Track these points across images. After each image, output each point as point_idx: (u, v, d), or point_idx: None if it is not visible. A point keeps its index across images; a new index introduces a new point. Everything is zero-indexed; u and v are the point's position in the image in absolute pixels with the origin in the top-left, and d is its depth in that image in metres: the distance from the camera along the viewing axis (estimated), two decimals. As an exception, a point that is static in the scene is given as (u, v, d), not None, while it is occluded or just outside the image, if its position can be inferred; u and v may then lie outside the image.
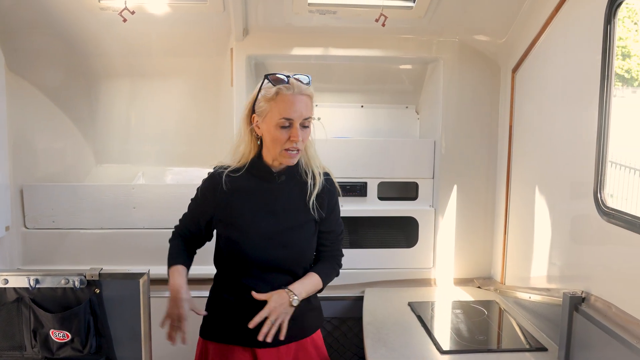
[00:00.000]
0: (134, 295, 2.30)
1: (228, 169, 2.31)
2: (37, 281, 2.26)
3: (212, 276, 2.63)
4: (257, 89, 2.25)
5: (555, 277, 2.72)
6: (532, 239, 2.94)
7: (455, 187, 3.41)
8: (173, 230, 2.50)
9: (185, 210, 2.50)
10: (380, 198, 3.43)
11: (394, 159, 3.41)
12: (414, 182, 3.44)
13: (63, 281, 2.26)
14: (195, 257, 3.28)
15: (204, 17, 3.14)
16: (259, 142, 2.29)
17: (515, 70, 3.17)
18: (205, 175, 2.39)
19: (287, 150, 2.21)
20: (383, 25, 2.95)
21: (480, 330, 2.76)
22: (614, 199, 8.01)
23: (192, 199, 2.44)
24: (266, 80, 2.22)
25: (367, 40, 3.28)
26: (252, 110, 2.27)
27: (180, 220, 2.51)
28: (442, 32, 3.27)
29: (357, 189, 3.38)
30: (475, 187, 3.43)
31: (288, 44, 3.28)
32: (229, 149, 2.38)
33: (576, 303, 2.38)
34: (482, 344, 2.61)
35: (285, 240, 2.32)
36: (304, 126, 2.22)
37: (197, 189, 2.39)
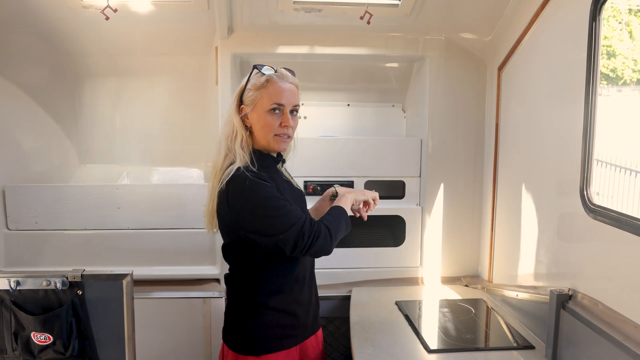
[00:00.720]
0: (118, 296, 2.26)
1: (247, 168, 2.25)
2: (18, 283, 2.22)
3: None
4: (245, 80, 2.32)
5: (542, 274, 2.71)
6: (519, 237, 2.94)
7: (442, 185, 3.40)
8: (313, 228, 2.20)
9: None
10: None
11: (380, 158, 3.40)
12: (400, 181, 3.43)
13: (45, 283, 2.22)
14: (165, 259, 3.34)
15: (188, 15, 3.11)
16: (247, 134, 2.31)
17: (501, 68, 3.17)
18: (227, 176, 2.25)
19: (278, 135, 2.28)
20: (368, 22, 2.93)
21: (467, 328, 2.76)
22: (600, 196, 8.04)
23: (270, 195, 2.21)
24: (255, 70, 2.30)
25: (353, 38, 3.27)
26: (240, 102, 2.32)
27: (293, 218, 2.19)
28: (428, 30, 3.25)
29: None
30: (462, 185, 3.42)
31: (273, 42, 3.26)
32: (219, 148, 2.36)
33: (563, 301, 2.38)
34: (470, 342, 2.60)
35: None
36: (293, 113, 2.32)
37: (257, 187, 2.19)
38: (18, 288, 2.22)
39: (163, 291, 3.32)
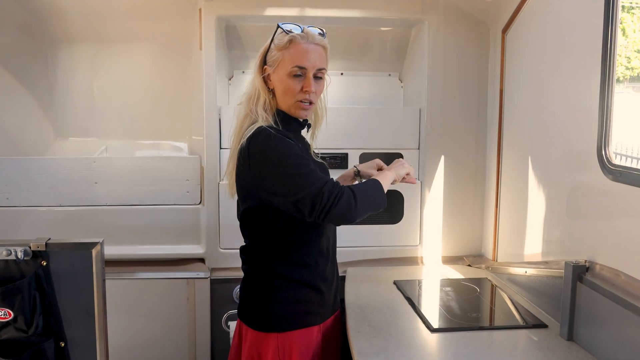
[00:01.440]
0: (86, 268, 2.03)
1: (271, 127, 2.09)
2: (-26, 253, 1.99)
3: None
4: (269, 41, 2.17)
5: (554, 249, 2.51)
6: (526, 211, 2.73)
7: (442, 158, 3.19)
8: (335, 190, 1.95)
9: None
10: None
11: (376, 129, 3.18)
12: (398, 153, 3.21)
13: (5, 252, 1.99)
14: (146, 238, 3.13)
15: (170, -27, 2.90)
16: (271, 96, 2.17)
17: (505, 30, 2.96)
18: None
19: (300, 102, 2.14)
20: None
21: (472, 307, 2.55)
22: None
23: (293, 153, 2.02)
24: (279, 29, 2.13)
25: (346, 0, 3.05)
26: (264, 62, 2.17)
27: (314, 179, 1.97)
28: (427, -9, 3.04)
29: (338, 161, 3.15)
30: (464, 157, 3.21)
31: (261, 3, 3.04)
32: (240, 109, 2.22)
33: (580, 273, 2.16)
34: (476, 321, 2.39)
35: None
36: (317, 77, 2.14)
37: (280, 145, 2.02)
38: (-25, 259, 1.99)
39: (144, 272, 3.12)
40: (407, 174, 2.32)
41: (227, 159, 2.27)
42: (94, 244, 2.03)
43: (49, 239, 2.04)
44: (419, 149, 3.21)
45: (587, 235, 2.24)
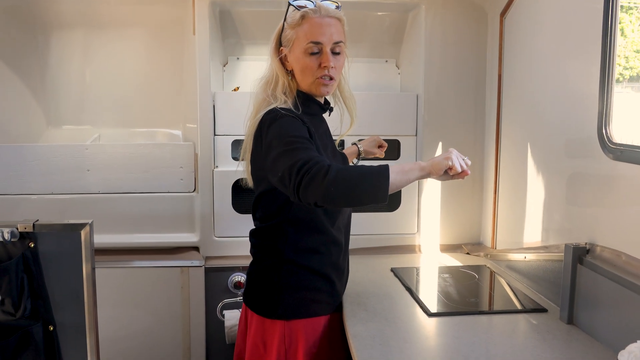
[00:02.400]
0: (75, 250, 1.98)
1: (290, 109, 2.03)
2: (-40, 234, 1.94)
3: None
4: (282, 21, 2.09)
5: (554, 233, 2.46)
6: (526, 198, 2.69)
7: (440, 144, 3.15)
8: (309, 165, 1.75)
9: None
10: (366, 159, 3.15)
11: (373, 115, 3.13)
12: (395, 140, 3.17)
13: (-9, 234, 1.95)
14: (139, 226, 3.08)
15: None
16: (290, 77, 2.10)
17: (503, 14, 2.92)
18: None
19: (320, 78, 2.06)
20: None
21: (471, 293, 2.50)
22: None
23: (292, 133, 1.89)
24: (291, 7, 2.06)
25: (342, -17, 3.00)
26: (279, 44, 2.11)
27: (296, 156, 1.79)
28: (424, -26, 3.00)
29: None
30: (462, 144, 3.16)
31: (256, -13, 2.99)
32: (256, 95, 2.14)
33: (580, 254, 2.12)
34: (475, 306, 2.35)
35: None
36: (336, 52, 2.07)
37: (286, 123, 1.93)
38: (-40, 240, 1.94)
39: (137, 260, 3.07)
40: (451, 168, 1.86)
41: (242, 149, 2.21)
42: (82, 225, 1.99)
43: (37, 220, 1.99)
44: (416, 135, 3.17)
45: (587, 217, 2.20)
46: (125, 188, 3.07)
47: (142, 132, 3.36)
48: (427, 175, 1.86)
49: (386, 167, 1.78)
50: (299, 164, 1.75)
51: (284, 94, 2.07)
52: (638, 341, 1.48)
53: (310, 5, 2.04)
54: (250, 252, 2.28)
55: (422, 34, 3.09)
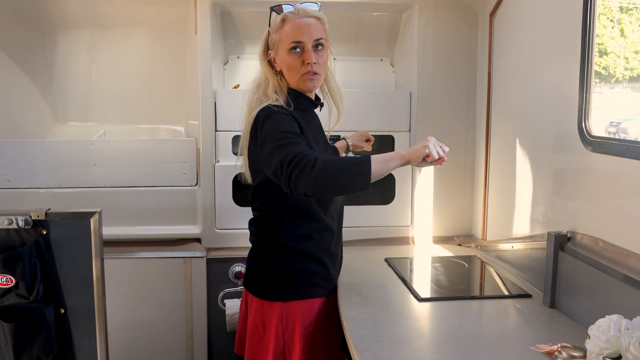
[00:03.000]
0: (85, 237, 2.10)
1: (282, 106, 2.17)
2: (-23, 222, 2.06)
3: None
4: (268, 27, 2.26)
5: (539, 223, 2.58)
6: (514, 191, 2.81)
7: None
8: (297, 159, 1.88)
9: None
10: (355, 153, 3.26)
11: (368, 112, 3.25)
12: (389, 135, 3.28)
13: (6, 221, 2.07)
14: (144, 218, 3.22)
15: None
16: (280, 78, 2.25)
17: (493, 14, 3.03)
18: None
19: (305, 74, 2.19)
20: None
21: (460, 280, 2.62)
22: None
23: (283, 128, 2.02)
24: (273, 13, 2.22)
25: (339, -15, 3.13)
26: (267, 48, 2.26)
27: (286, 151, 1.93)
28: (417, -25, 3.12)
29: (331, 142, 3.22)
30: (453, 139, 3.27)
31: (255, -11, 3.11)
32: (249, 96, 2.29)
33: (562, 242, 2.25)
34: (463, 292, 2.47)
35: None
36: (318, 48, 2.19)
37: (277, 119, 2.06)
38: (-23, 227, 2.07)
39: (142, 251, 3.19)
40: (428, 156, 1.95)
41: (240, 146, 2.34)
42: (92, 214, 2.11)
43: (49, 208, 2.11)
44: (409, 131, 3.28)
45: (569, 207, 2.32)
46: (130, 182, 3.19)
47: (145, 129, 3.48)
48: (407, 162, 1.96)
49: (368, 157, 1.90)
50: (289, 158, 1.88)
51: (275, 92, 2.22)
52: (606, 316, 1.60)
53: (289, 8, 2.19)
54: (250, 240, 2.41)
55: (415, 33, 3.20)
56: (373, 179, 1.89)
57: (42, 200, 3.13)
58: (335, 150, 2.49)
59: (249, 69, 3.42)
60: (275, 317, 2.26)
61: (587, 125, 2.16)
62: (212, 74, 3.13)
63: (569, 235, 2.25)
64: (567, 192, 2.35)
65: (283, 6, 2.20)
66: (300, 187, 1.88)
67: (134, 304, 3.18)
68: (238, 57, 3.45)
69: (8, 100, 3.29)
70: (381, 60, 3.53)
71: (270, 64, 2.25)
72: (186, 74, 3.38)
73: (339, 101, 2.41)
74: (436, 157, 1.95)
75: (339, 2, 3.16)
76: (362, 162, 1.89)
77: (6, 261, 2.05)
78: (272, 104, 2.16)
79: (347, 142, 2.77)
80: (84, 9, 3.26)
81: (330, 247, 2.36)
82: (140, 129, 3.48)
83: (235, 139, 3.17)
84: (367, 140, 2.87)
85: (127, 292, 3.16)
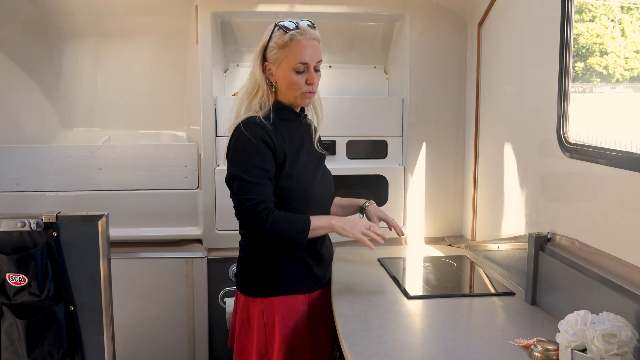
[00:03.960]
0: (93, 238, 2.25)
1: (259, 119, 2.33)
2: (-8, 225, 2.20)
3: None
4: (267, 37, 2.34)
5: (523, 225, 2.71)
6: (502, 193, 2.93)
7: (424, 144, 3.39)
8: (254, 209, 2.26)
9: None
10: (350, 157, 3.40)
11: (362, 118, 3.38)
12: (383, 141, 3.42)
13: (19, 224, 2.21)
14: (147, 220, 3.36)
15: (168, -28, 3.12)
16: (273, 89, 2.38)
17: (481, 24, 3.16)
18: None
19: (304, 93, 2.34)
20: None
21: (448, 279, 2.75)
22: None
23: (252, 162, 2.29)
24: (277, 28, 2.31)
25: (333, -4, 3.27)
26: (264, 58, 2.35)
27: (249, 192, 2.28)
28: (408, -13, 3.25)
29: (326, 148, 3.34)
30: (444, 144, 3.41)
31: (254, 0, 3.24)
32: (236, 103, 2.44)
33: (542, 243, 2.37)
34: (450, 290, 2.60)
35: (326, 176, 2.56)
36: (317, 70, 2.36)
37: (241, 148, 2.30)
38: (-8, 230, 2.21)
39: (146, 252, 3.33)
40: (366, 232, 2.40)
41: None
42: (99, 217, 2.25)
43: (59, 212, 2.25)
44: (402, 136, 3.42)
45: (550, 210, 2.45)
46: (134, 185, 3.33)
47: (148, 134, 3.63)
48: (336, 232, 2.41)
49: (308, 224, 2.31)
50: (247, 205, 2.26)
51: (260, 105, 2.36)
52: (575, 312, 1.74)
53: (292, 26, 2.30)
54: (239, 242, 2.56)
55: (407, 42, 3.34)
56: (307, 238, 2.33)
57: (50, 203, 3.27)
58: (322, 157, 2.60)
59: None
60: (257, 313, 2.41)
61: (565, 132, 2.29)
62: (212, 82, 3.27)
63: (549, 236, 2.38)
64: (548, 195, 2.48)
65: (286, 23, 2.31)
66: (250, 232, 2.37)
67: (138, 302, 3.32)
68: (237, 65, 3.59)
69: (17, 106, 3.44)
70: (375, 67, 3.67)
71: (266, 76, 2.37)
72: (187, 81, 3.52)
73: (319, 109, 2.57)
74: (369, 244, 2.41)
75: (335, 13, 3.29)
76: (303, 228, 2.31)
77: (19, 261, 2.20)
78: (247, 116, 2.33)
79: (365, 207, 2.82)
80: (90, 19, 3.41)
81: (315, 247, 2.50)
82: (144, 134, 3.63)
83: (236, 144, 3.30)
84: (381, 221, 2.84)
85: (132, 290, 3.30)
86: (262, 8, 3.25)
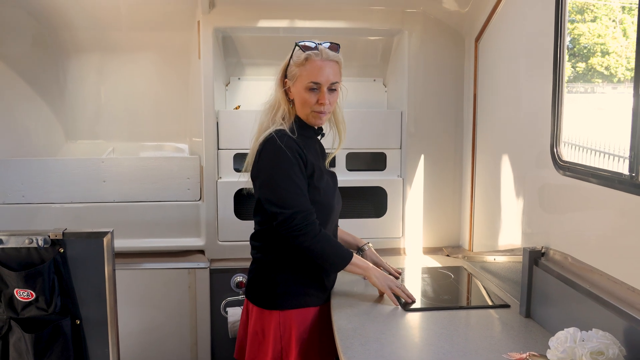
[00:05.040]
0: (99, 254, 2.31)
1: (286, 132, 2.40)
2: (0, 241, 2.27)
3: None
4: (289, 57, 2.44)
5: (519, 238, 2.76)
6: (497, 205, 2.98)
7: (422, 157, 3.45)
8: (306, 221, 2.36)
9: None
10: (349, 169, 3.46)
11: (361, 130, 3.44)
12: (382, 153, 3.48)
13: (27, 241, 2.28)
14: (151, 231, 3.44)
15: (171, -11, 3.18)
16: (291, 105, 2.47)
17: (478, 39, 3.22)
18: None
19: (315, 112, 2.43)
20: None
21: (445, 291, 2.80)
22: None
23: (287, 173, 2.36)
24: (297, 47, 2.40)
25: (333, 12, 3.33)
26: (285, 76, 2.45)
27: (299, 204, 2.37)
28: (407, 4, 3.31)
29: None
30: (442, 156, 3.47)
31: (254, 16, 3.31)
32: (260, 115, 2.52)
33: (536, 257, 2.43)
34: (446, 302, 2.65)
35: (338, 192, 2.63)
36: (332, 90, 2.42)
37: (282, 159, 2.36)
38: (1, 246, 2.28)
39: (149, 263, 3.40)
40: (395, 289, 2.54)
41: (246, 162, 2.56)
42: (105, 233, 2.32)
43: (66, 229, 2.32)
44: (400, 148, 3.48)
45: (544, 224, 2.51)
46: (138, 197, 3.40)
47: (151, 146, 3.70)
48: (368, 279, 2.56)
49: (351, 255, 2.47)
50: (299, 217, 2.35)
51: (283, 119, 2.45)
52: (565, 329, 1.80)
53: (312, 46, 2.39)
54: (251, 253, 2.62)
55: (405, 56, 3.39)
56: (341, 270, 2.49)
57: (55, 215, 3.34)
58: (333, 175, 2.67)
59: (249, 89, 3.63)
60: (274, 325, 2.47)
61: (558, 150, 2.35)
62: (214, 96, 3.33)
63: (543, 250, 2.43)
64: (543, 209, 2.53)
65: (306, 43, 2.40)
66: (298, 243, 2.38)
67: (142, 312, 3.39)
68: (239, 79, 3.65)
69: (23, 119, 3.51)
70: (374, 80, 3.73)
71: (285, 91, 2.47)
72: (190, 94, 3.58)
73: (342, 132, 2.66)
74: (394, 301, 2.55)
75: (335, 28, 3.35)
76: (345, 258, 2.47)
77: (27, 277, 2.26)
78: (277, 128, 2.40)
79: (364, 248, 2.92)
80: (94, 34, 3.48)
81: None
82: (146, 145, 3.69)
83: (237, 157, 3.37)
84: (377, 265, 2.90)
85: (135, 301, 3.36)
86: (263, 23, 3.32)
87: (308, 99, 2.40)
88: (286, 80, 2.45)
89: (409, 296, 2.52)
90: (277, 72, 2.50)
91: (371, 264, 2.55)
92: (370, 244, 2.90)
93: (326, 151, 2.74)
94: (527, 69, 2.67)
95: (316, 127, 2.56)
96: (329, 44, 2.43)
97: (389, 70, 3.67)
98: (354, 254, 2.49)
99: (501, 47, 2.98)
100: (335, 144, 2.69)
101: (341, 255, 2.46)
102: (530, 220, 2.65)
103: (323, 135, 2.62)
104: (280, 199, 2.35)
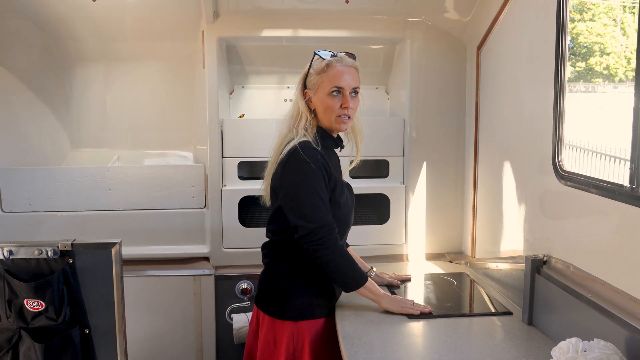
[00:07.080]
0: (107, 264, 2.35)
1: (310, 144, 2.42)
2: (10, 252, 2.30)
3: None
4: (307, 66, 2.48)
5: (521, 245, 2.79)
6: (499, 212, 3.02)
7: (424, 164, 3.48)
8: (329, 235, 2.40)
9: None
10: (352, 176, 3.49)
11: (365, 138, 3.45)
12: (384, 160, 3.51)
13: (37, 252, 2.31)
14: (156, 239, 3.47)
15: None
16: (312, 116, 2.47)
17: (480, 47, 3.25)
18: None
19: (339, 116, 2.44)
20: (347, 1, 3.03)
21: (448, 298, 2.83)
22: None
23: (313, 186, 2.38)
24: (316, 56, 2.45)
25: (336, 21, 3.37)
26: (304, 87, 2.48)
27: (323, 218, 2.39)
28: (409, 13, 3.35)
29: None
30: (444, 164, 3.50)
31: (258, 26, 3.35)
32: (280, 126, 2.53)
33: (538, 266, 2.46)
34: (450, 309, 2.68)
35: (354, 204, 2.65)
36: (353, 95, 2.46)
37: (308, 172, 2.38)
38: (11, 257, 2.31)
39: (154, 270, 3.43)
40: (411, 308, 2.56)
41: (266, 171, 2.56)
42: (113, 244, 2.35)
43: (74, 240, 2.35)
44: (403, 155, 3.51)
45: (546, 232, 2.54)
46: (143, 205, 3.43)
47: (156, 154, 3.74)
48: (380, 305, 2.58)
49: (366, 279, 2.51)
50: (324, 231, 2.37)
51: (305, 129, 2.46)
52: (567, 339, 1.83)
53: (328, 56, 2.43)
54: (263, 261, 2.65)
55: (407, 64, 3.43)
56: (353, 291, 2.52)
57: (62, 223, 3.37)
58: (349, 187, 2.68)
59: (253, 97, 3.67)
60: (287, 335, 2.49)
61: (559, 160, 2.38)
62: (219, 104, 3.37)
63: (545, 259, 2.46)
64: (545, 216, 2.56)
65: (323, 52, 2.44)
66: (319, 256, 2.41)
67: (148, 318, 3.42)
68: (243, 87, 3.68)
69: (29, 128, 3.55)
70: (377, 88, 3.76)
71: (306, 102, 2.49)
72: (194, 103, 3.62)
73: (360, 142, 2.69)
74: (414, 312, 2.55)
75: (338, 37, 3.39)
76: (359, 281, 2.50)
77: (37, 288, 2.30)
78: (302, 140, 2.42)
79: (370, 274, 2.88)
80: (99, 44, 3.51)
81: None
82: (151, 154, 3.73)
83: (241, 165, 3.40)
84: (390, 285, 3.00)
85: (141, 307, 3.39)
86: (266, 33, 3.36)
87: (332, 104, 2.41)
88: (306, 90, 2.47)
89: (423, 311, 2.54)
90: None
91: (382, 292, 2.58)
92: (374, 268, 2.93)
93: (347, 159, 2.77)
94: (528, 78, 2.70)
95: (336, 137, 2.58)
96: (344, 53, 2.48)
97: (391, 78, 3.71)
98: (370, 279, 2.53)
99: (503, 55, 3.01)
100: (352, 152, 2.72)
101: (357, 276, 2.49)
102: (532, 228, 2.68)
103: (343, 147, 2.64)
104: (305, 212, 2.38)
